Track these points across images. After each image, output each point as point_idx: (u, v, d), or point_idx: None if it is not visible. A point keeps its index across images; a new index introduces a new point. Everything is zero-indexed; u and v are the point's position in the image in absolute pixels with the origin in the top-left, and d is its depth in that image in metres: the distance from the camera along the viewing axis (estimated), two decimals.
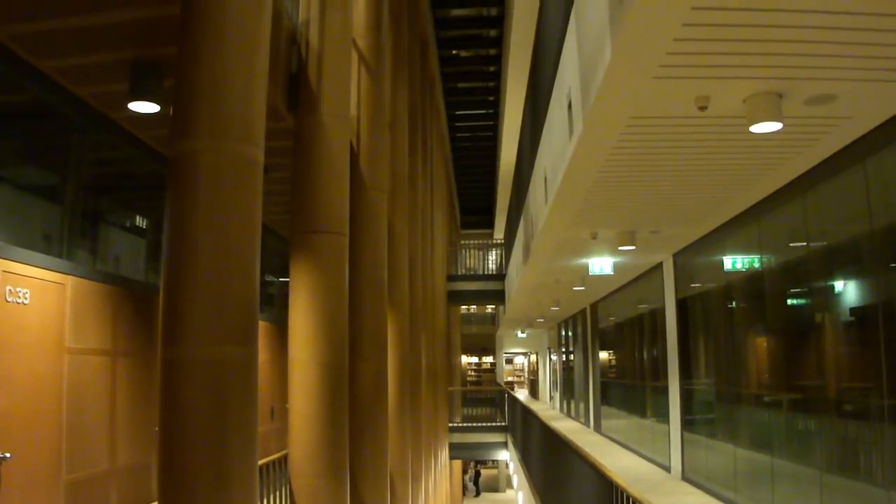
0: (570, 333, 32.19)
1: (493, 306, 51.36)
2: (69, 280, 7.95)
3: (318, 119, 8.31)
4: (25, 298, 7.16)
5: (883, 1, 4.70)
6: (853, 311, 8.43)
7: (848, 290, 8.66)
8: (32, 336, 7.35)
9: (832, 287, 8.94)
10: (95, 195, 9.13)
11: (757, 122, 6.33)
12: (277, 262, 14.98)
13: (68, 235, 8.25)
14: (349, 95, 9.27)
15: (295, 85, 8.36)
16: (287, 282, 8.63)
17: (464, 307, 52.08)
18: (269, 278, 15.49)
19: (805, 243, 9.49)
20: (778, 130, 6.58)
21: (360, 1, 11.37)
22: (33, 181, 8.52)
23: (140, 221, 10.79)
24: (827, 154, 8.03)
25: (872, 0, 4.70)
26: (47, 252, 7.83)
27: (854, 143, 7.57)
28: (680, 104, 6.50)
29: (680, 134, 7.38)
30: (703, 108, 6.44)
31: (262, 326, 13.18)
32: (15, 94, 7.60)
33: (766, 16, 4.89)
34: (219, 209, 5.12)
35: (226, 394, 4.97)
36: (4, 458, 6.83)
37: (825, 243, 9.06)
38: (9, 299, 6.93)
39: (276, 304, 15.74)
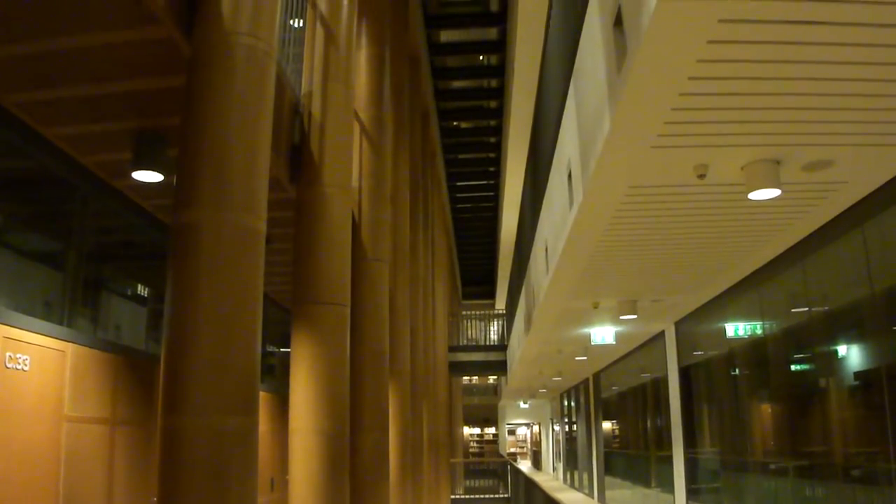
0: (572, 403, 31.96)
1: (495, 377, 51.07)
2: (69, 347, 7.92)
3: (319, 190, 8.38)
4: (25, 365, 7.13)
5: (877, 68, 4.77)
6: (857, 375, 8.40)
7: (851, 354, 8.63)
8: (31, 403, 7.29)
9: (835, 351, 8.91)
10: (97, 263, 9.15)
11: (755, 189, 6.37)
12: (278, 332, 14.94)
13: (70, 302, 8.25)
14: (351, 166, 9.35)
15: (297, 156, 8.44)
16: (288, 352, 8.60)
17: (465, 378, 51.81)
18: (270, 348, 15.43)
19: (806, 308, 9.48)
20: (776, 197, 6.62)
21: (362, 73, 11.54)
22: (36, 247, 8.55)
23: (141, 290, 10.79)
24: (826, 219, 8.07)
25: (866, 67, 4.77)
26: (48, 319, 7.81)
27: (852, 207, 7.61)
28: (679, 173, 6.55)
29: (679, 202, 7.42)
30: (701, 177, 6.48)
31: (263, 396, 13.10)
32: (20, 161, 7.66)
33: (762, 84, 4.95)
34: (221, 279, 5.14)
35: (226, 464, 4.93)
36: None
37: (827, 308, 9.05)
38: (8, 365, 6.90)
39: (276, 374, 15.66)
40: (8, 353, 6.86)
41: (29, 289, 8.20)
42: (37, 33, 5.63)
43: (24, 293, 8.04)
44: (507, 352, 30.80)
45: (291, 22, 8.84)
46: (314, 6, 9.05)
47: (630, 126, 5.60)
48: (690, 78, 4.80)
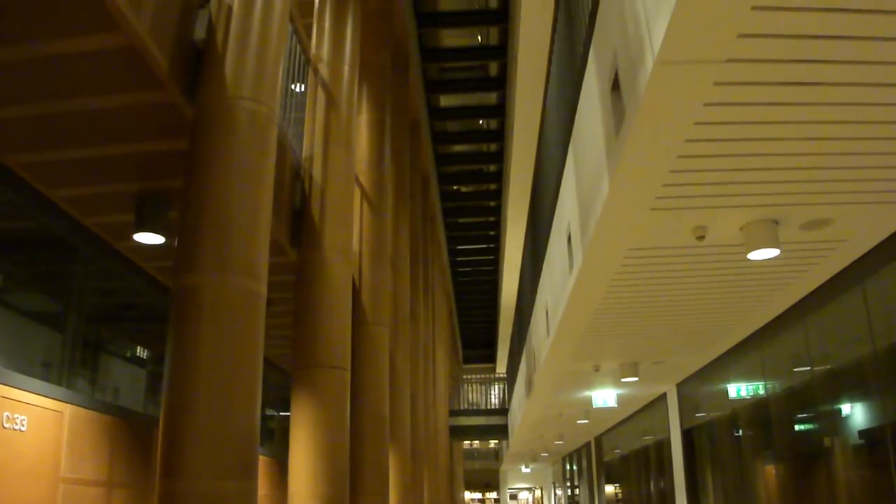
0: (574, 467, 31.67)
1: (496, 441, 50.65)
2: (67, 408, 7.88)
3: (320, 254, 8.40)
4: (23, 425, 7.08)
5: (872, 126, 4.81)
6: (861, 433, 8.33)
7: (855, 413, 8.57)
8: (28, 464, 7.23)
9: (839, 410, 8.85)
10: (97, 324, 9.14)
11: (754, 249, 6.39)
12: (278, 395, 14.87)
13: (68, 363, 8.22)
14: (351, 231, 9.39)
15: (298, 220, 8.48)
16: (287, 416, 8.55)
17: (467, 442, 51.37)
18: (269, 412, 15.34)
19: (808, 367, 9.44)
20: (776, 257, 6.64)
21: (363, 137, 11.64)
22: (36, 308, 8.55)
23: (141, 352, 10.76)
24: (825, 277, 8.09)
25: (861, 126, 4.82)
26: (47, 379, 7.78)
27: (852, 264, 7.62)
28: (678, 235, 6.57)
29: (679, 264, 7.43)
30: (700, 238, 6.51)
31: (262, 461, 12.99)
32: (22, 221, 7.69)
33: (759, 145, 5.00)
34: (221, 342, 5.13)
35: None
36: None
37: (829, 367, 9.02)
38: (6, 426, 6.85)
39: (276, 439, 15.54)
40: (6, 413, 6.83)
41: (28, 349, 8.18)
42: (42, 95, 5.71)
43: (24, 353, 8.02)
44: (509, 415, 30.60)
45: (293, 86, 8.95)
46: (315, 71, 9.17)
47: (629, 189, 5.63)
48: (688, 140, 4.84)
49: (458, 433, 33.00)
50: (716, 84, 4.18)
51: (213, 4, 6.02)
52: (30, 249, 8.23)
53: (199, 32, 5.90)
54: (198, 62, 5.85)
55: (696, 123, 4.63)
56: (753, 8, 3.55)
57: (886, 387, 7.66)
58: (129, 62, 5.26)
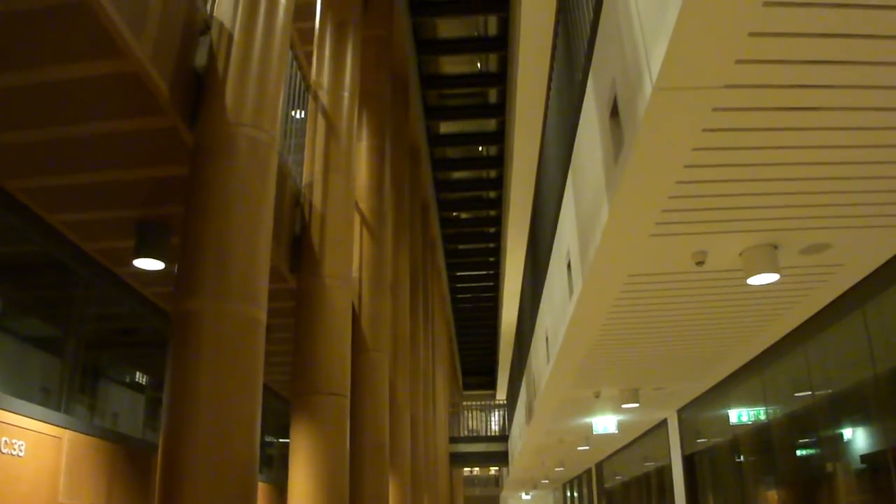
0: (575, 494, 31.52)
1: (496, 468, 50.41)
2: (66, 434, 7.85)
3: (320, 280, 8.40)
4: (21, 450, 7.05)
5: (870, 150, 4.83)
6: (864, 458, 8.30)
7: (857, 437, 8.54)
8: (26, 489, 7.19)
9: (841, 435, 8.82)
10: (96, 349, 9.13)
11: (754, 274, 6.39)
12: (278, 422, 14.82)
13: (67, 389, 8.21)
14: (351, 257, 9.39)
15: (298, 246, 8.49)
16: (287, 442, 8.52)
17: (467, 469, 51.13)
18: (269, 438, 15.28)
19: (810, 392, 9.42)
20: (775, 281, 6.64)
21: (363, 164, 11.67)
22: (35, 333, 8.53)
23: (140, 378, 10.74)
24: (826, 301, 8.08)
25: (859, 150, 4.84)
26: (45, 405, 7.76)
27: (852, 288, 7.62)
28: (677, 260, 6.58)
29: (678, 289, 7.43)
30: (700, 264, 6.51)
31: (261, 488, 12.92)
32: (23, 246, 7.70)
33: (757, 170, 5.02)
34: (221, 368, 5.12)
35: None
36: None
37: (830, 391, 8.99)
38: (4, 451, 6.83)
39: (275, 465, 15.47)
40: (4, 439, 6.81)
41: (27, 374, 8.16)
42: (43, 121, 5.74)
43: (22, 378, 8.00)
44: (509, 442, 30.50)
45: (293, 113, 8.99)
46: (316, 98, 9.21)
47: (628, 215, 5.65)
48: (686, 166, 4.86)
49: (458, 460, 32.89)
50: (714, 110, 4.20)
51: (214, 31, 6.05)
52: (29, 274, 8.23)
53: (201, 59, 5.92)
54: (198, 89, 5.88)
55: (695, 149, 4.65)
56: (751, 34, 3.58)
57: (888, 411, 7.64)
58: (130, 88, 5.29)
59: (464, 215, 28.16)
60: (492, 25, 16.99)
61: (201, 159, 5.66)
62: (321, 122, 9.13)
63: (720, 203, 5.51)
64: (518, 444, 23.30)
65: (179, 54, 5.64)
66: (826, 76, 4.00)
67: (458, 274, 32.49)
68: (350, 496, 8.40)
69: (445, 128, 21.80)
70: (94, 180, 6.68)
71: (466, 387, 51.01)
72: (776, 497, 10.90)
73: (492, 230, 27.88)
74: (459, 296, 35.68)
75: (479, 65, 19.31)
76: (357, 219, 10.80)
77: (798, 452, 10.16)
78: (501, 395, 44.25)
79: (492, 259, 30.79)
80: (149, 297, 9.44)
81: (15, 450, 6.99)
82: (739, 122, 4.40)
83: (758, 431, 11.38)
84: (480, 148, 23.63)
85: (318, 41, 9.71)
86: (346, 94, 9.49)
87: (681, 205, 5.47)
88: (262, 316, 5.59)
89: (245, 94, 5.88)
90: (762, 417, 11.12)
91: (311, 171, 8.91)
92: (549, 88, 10.08)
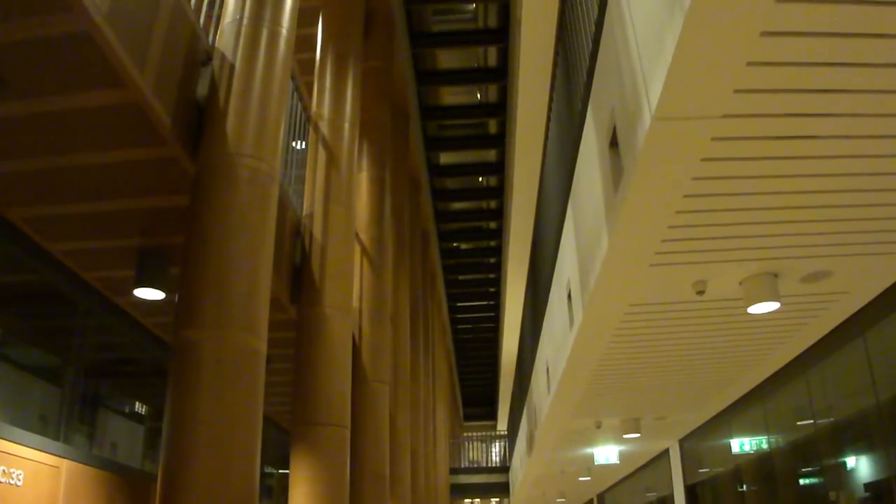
0: None
1: (497, 499, 50.07)
2: (64, 464, 7.81)
3: (320, 311, 8.40)
4: (19, 480, 7.01)
5: (870, 178, 4.84)
6: (867, 486, 8.25)
7: (860, 466, 8.50)
8: None
9: (844, 463, 8.77)
10: (96, 379, 9.09)
11: (754, 303, 6.40)
12: (278, 452, 14.74)
13: (66, 418, 8.17)
14: (351, 288, 9.39)
15: (298, 276, 8.49)
16: (287, 473, 8.48)
17: (467, 500, 50.77)
18: (268, 469, 15.20)
19: (812, 420, 9.38)
20: (776, 310, 6.64)
21: (363, 195, 11.70)
22: (34, 362, 8.50)
23: (139, 408, 10.69)
24: (827, 329, 8.07)
25: (859, 178, 4.85)
26: (44, 434, 7.73)
27: (853, 316, 7.61)
28: (678, 290, 6.58)
29: (679, 319, 7.43)
30: (700, 293, 6.51)
31: None
32: (23, 275, 7.69)
33: (757, 199, 5.03)
34: (220, 398, 5.11)
35: None
36: None
37: (832, 419, 8.96)
38: (2, 480, 6.79)
39: (275, 496, 15.38)
40: (2, 468, 6.77)
41: (26, 403, 8.13)
42: (45, 150, 5.76)
43: (21, 407, 7.97)
44: (510, 473, 30.35)
45: (294, 144, 9.02)
46: (316, 129, 9.25)
47: (628, 245, 5.65)
48: (686, 196, 4.87)
49: (459, 491, 32.70)
50: (713, 139, 4.22)
51: (215, 62, 6.09)
52: (29, 303, 8.23)
53: (202, 90, 5.96)
54: (200, 119, 5.91)
55: (695, 178, 4.66)
56: (749, 63, 3.60)
57: (891, 438, 7.61)
58: (132, 118, 5.32)
59: (464, 245, 28.16)
60: (491, 56, 17.07)
61: (202, 189, 5.68)
62: (322, 152, 9.16)
63: (720, 232, 5.52)
64: (519, 474, 23.19)
65: (181, 85, 5.67)
66: (824, 105, 4.02)
67: (459, 304, 32.43)
68: None
69: (445, 158, 21.85)
70: (95, 210, 6.69)
71: (467, 417, 50.80)
72: None
73: (492, 260, 27.87)
74: (460, 326, 35.60)
75: (478, 95, 19.39)
76: (357, 249, 10.81)
77: (801, 481, 10.11)
78: (502, 425, 44.05)
79: (492, 289, 30.75)
80: (149, 326, 9.43)
81: (13, 479, 6.95)
82: (738, 151, 4.42)
83: (760, 460, 11.33)
84: (480, 178, 23.67)
85: (319, 72, 9.76)
86: (347, 125, 9.53)
87: (681, 234, 5.48)
88: (263, 346, 5.59)
89: (246, 125, 5.91)
90: (764, 446, 11.07)
91: (311, 201, 8.93)
92: (548, 119, 10.13)
